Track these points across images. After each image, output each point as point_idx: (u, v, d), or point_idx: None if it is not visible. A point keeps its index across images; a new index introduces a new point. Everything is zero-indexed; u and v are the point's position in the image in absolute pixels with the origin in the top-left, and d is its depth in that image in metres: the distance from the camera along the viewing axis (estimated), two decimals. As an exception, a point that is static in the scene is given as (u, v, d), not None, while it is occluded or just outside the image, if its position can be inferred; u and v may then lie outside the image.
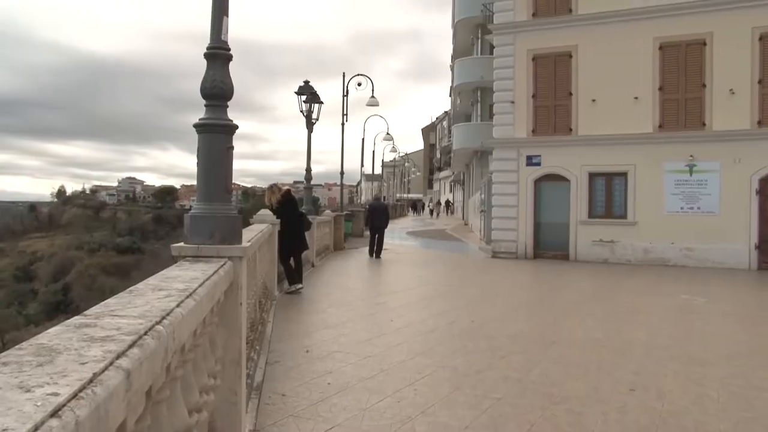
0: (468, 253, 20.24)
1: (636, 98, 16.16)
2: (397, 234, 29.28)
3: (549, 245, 17.31)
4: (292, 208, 10.09)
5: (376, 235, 17.47)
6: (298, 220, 10.17)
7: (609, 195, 16.69)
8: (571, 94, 16.98)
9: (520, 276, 14.29)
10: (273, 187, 10.26)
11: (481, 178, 25.19)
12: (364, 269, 15.64)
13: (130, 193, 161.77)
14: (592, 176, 16.80)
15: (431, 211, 54.01)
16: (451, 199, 62.06)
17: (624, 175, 16.43)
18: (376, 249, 17.42)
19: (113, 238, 70.54)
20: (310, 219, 12.12)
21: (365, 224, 18.88)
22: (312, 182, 16.48)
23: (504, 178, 17.82)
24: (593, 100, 16.63)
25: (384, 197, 63.79)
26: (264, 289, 7.79)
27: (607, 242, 16.48)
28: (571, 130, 17.04)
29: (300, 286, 10.25)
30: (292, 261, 10.27)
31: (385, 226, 17.91)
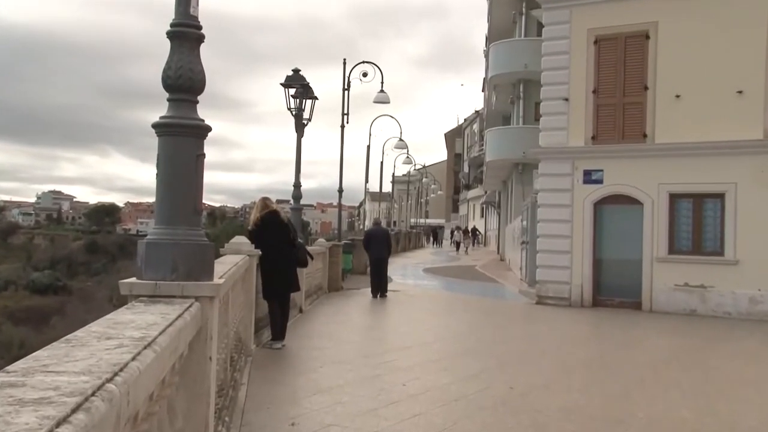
0: (504, 297, 20.20)
1: (740, 92, 16.06)
2: (411, 271, 29.25)
3: (614, 289, 17.24)
4: (276, 232, 10.17)
5: (378, 269, 18.18)
6: (286, 248, 10.23)
7: (698, 223, 16.63)
8: (646, 88, 17.05)
9: (575, 329, 14.20)
10: (266, 200, 10.50)
11: (523, 199, 25.22)
12: (368, 316, 15.61)
13: (54, 213, 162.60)
14: (675, 198, 16.78)
15: (457, 244, 52.95)
16: (479, 227, 62.04)
17: (720, 196, 16.38)
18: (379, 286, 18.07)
19: (27, 273, 70.03)
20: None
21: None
22: (301, 201, 16.55)
23: (553, 199, 17.86)
24: (677, 96, 16.66)
25: (393, 222, 64.02)
26: (237, 340, 7.81)
27: (696, 287, 16.39)
28: (645, 136, 17.09)
29: (280, 345, 10.26)
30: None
31: (388, 256, 18.63)
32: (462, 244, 53.62)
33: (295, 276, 10.61)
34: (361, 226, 74.65)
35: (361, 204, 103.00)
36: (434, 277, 26.72)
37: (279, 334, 10.32)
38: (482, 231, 61.64)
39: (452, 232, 62.30)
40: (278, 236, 10.18)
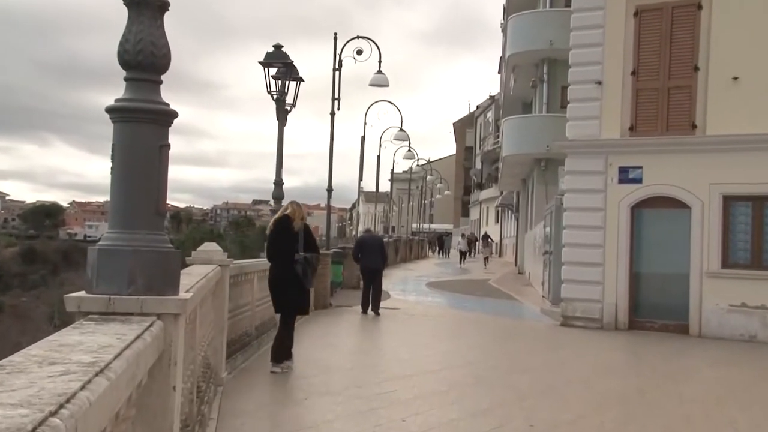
0: (523, 317, 20.30)
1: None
2: (412, 285, 29.29)
3: (655, 310, 17.23)
4: (286, 239, 10.76)
5: (372, 283, 18.70)
6: (291, 260, 10.65)
7: (758, 231, 16.62)
8: (697, 68, 17.06)
9: (608, 356, 14.21)
10: (291, 204, 11.24)
11: (546, 201, 25.22)
12: (361, 339, 15.63)
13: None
14: (729, 201, 16.77)
15: (462, 255, 51.59)
16: (491, 234, 61.90)
17: (786, 199, 16.39)
18: (372, 301, 18.56)
19: (-54, 286, 69.89)
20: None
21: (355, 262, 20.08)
22: (283, 202, 16.53)
23: (582, 202, 17.85)
24: (734, 79, 16.65)
25: (392, 227, 63.83)
26: (205, 367, 7.81)
27: (756, 308, 16.37)
28: (694, 126, 17.10)
29: (286, 365, 10.63)
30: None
31: (382, 268, 19.27)
32: (469, 253, 53.01)
33: (298, 294, 10.90)
34: (354, 232, 74.58)
35: (354, 206, 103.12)
36: (440, 292, 26.79)
37: (280, 354, 10.74)
38: (496, 239, 61.61)
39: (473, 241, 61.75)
40: (288, 244, 10.71)
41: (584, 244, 17.73)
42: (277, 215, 11.25)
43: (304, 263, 10.68)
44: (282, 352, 10.72)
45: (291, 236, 10.73)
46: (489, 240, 54.28)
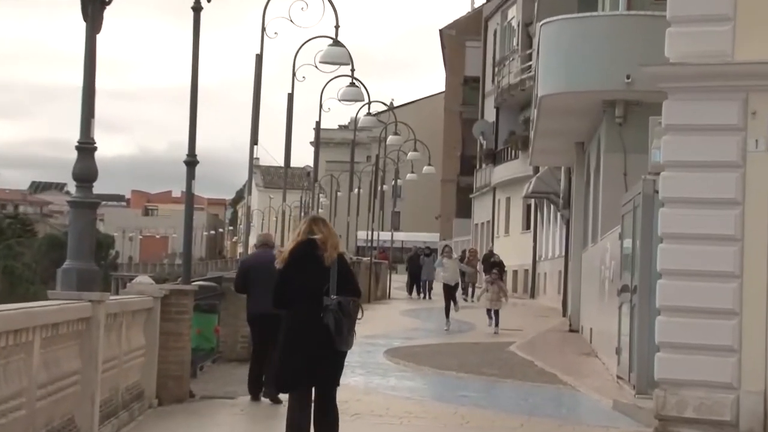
0: (580, 419, 20.59)
1: None
2: (357, 355, 29.23)
3: None
4: (308, 275, 12.83)
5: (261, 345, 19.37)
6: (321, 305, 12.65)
7: None
8: None
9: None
10: (312, 222, 13.39)
11: (625, 188, 25.34)
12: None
13: None
14: None
15: (449, 293, 48.70)
16: (502, 255, 61.93)
17: None
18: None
19: None
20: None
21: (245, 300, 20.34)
22: (94, 188, 16.46)
23: (698, 187, 17.89)
24: None
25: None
26: None
27: None
28: None
29: None
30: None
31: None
32: (465, 290, 53.29)
33: (334, 358, 13.07)
34: (241, 249, 74.55)
35: (242, 196, 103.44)
36: (412, 370, 27.22)
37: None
38: (521, 261, 62.10)
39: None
40: (311, 282, 12.84)
41: (701, 272, 17.77)
42: (295, 240, 13.25)
43: (337, 311, 12.48)
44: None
45: (320, 271, 12.81)
46: (499, 268, 52.47)
